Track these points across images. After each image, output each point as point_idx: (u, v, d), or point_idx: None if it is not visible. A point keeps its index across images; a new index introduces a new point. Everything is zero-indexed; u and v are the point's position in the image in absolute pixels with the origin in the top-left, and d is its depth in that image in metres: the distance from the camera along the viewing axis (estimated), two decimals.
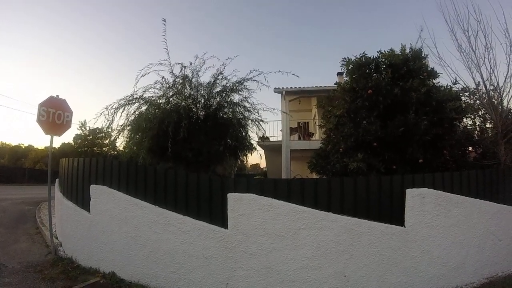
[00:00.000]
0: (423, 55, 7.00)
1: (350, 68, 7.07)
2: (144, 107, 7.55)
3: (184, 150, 6.67)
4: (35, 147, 62.96)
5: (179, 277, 5.07)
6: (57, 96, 6.43)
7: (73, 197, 6.20)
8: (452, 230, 5.30)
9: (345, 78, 7.82)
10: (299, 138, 16.07)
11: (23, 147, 64.61)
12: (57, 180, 7.76)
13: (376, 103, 6.38)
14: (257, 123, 7.95)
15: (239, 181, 5.14)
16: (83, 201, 5.91)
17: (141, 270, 5.26)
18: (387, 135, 6.05)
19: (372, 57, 7.12)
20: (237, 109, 7.65)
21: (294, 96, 15.72)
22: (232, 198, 4.94)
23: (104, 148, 49.53)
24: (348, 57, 7.27)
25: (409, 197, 5.13)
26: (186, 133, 6.47)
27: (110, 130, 8.01)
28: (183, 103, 7.05)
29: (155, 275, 5.17)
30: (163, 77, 7.55)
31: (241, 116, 7.68)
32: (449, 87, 6.93)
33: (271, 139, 15.16)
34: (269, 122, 8.86)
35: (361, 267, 4.98)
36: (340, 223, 4.95)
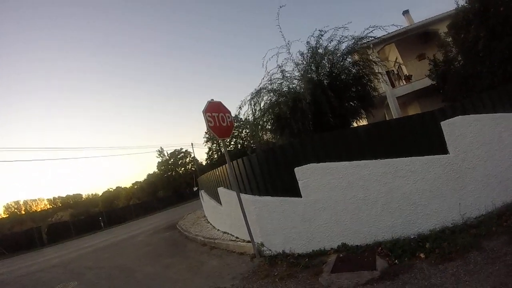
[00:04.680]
0: None
1: None
2: (286, 83, 6.88)
3: (332, 119, 5.96)
4: (122, 187, 61.85)
5: (416, 216, 4.61)
6: (212, 100, 5.59)
7: (269, 190, 5.39)
8: None
9: (463, 4, 7.44)
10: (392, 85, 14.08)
11: (111, 190, 61.98)
12: (202, 191, 6.63)
13: (506, 19, 6.28)
14: (376, 77, 7.24)
15: (446, 109, 4.74)
16: (286, 189, 5.15)
17: (374, 229, 4.70)
18: None
19: None
20: (356, 68, 6.98)
21: (381, 46, 13.13)
22: (447, 124, 4.63)
23: (187, 166, 47.80)
24: None
25: None
26: (334, 102, 5.85)
27: (252, 118, 7.23)
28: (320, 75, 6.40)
29: (392, 226, 4.65)
30: (286, 57, 6.88)
31: (360, 74, 6.94)
32: None
33: None
34: None
35: None
36: None
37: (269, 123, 7.44)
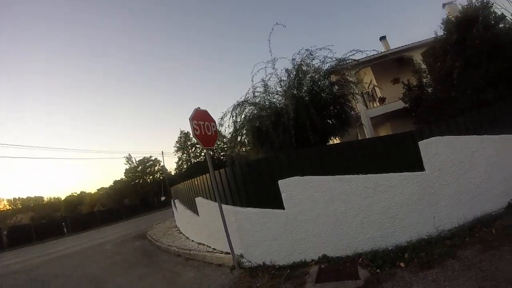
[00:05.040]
0: (489, 4, 7.52)
1: (451, 26, 7.39)
2: (268, 98, 7.04)
3: (312, 135, 6.17)
4: (87, 192, 59.77)
5: (394, 229, 4.85)
6: (199, 108, 5.59)
7: (251, 202, 5.37)
8: None
9: (440, 35, 7.97)
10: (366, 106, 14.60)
11: (75, 194, 59.26)
12: (176, 201, 7.91)
13: (481, 51, 6.85)
14: (354, 97, 7.51)
15: (423, 130, 5.13)
16: (269, 201, 5.18)
17: (354, 241, 4.87)
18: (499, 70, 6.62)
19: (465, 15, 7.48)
20: (335, 88, 7.24)
21: (358, 68, 12.84)
22: (424, 144, 4.99)
23: (156, 174, 46.68)
24: (447, 17, 7.63)
25: None
26: (315, 119, 6.07)
27: (230, 133, 7.42)
28: (303, 92, 6.61)
29: (371, 238, 4.85)
30: (270, 72, 7.09)
31: (339, 93, 7.19)
32: None
33: None
34: None
35: None
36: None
37: (249, 136, 7.51)
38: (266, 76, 7.11)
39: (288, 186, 5.03)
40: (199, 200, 7.13)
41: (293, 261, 4.99)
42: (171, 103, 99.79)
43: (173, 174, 50.37)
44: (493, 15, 7.32)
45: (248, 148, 8.22)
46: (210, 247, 6.75)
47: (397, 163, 4.90)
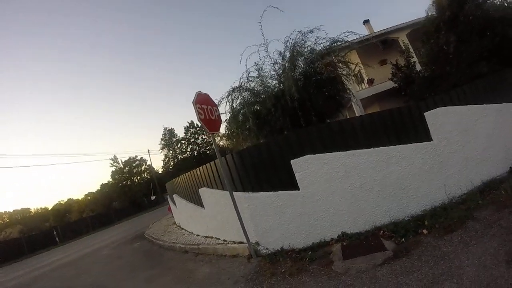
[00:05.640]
0: None
1: (444, 3, 7.52)
2: (263, 82, 6.94)
3: (314, 116, 6.20)
4: (74, 198, 56.82)
5: (408, 199, 4.95)
6: (200, 91, 5.39)
7: (263, 186, 5.26)
8: None
9: (431, 13, 8.09)
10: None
11: (63, 202, 56.29)
12: (174, 196, 7.76)
13: (473, 27, 7.03)
14: (346, 79, 7.54)
15: (428, 102, 5.28)
16: (282, 183, 5.11)
17: (371, 215, 4.92)
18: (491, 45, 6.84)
19: None
20: (329, 69, 7.20)
21: (345, 51, 13.48)
22: (430, 114, 5.12)
23: (143, 174, 46.06)
24: None
25: None
26: (314, 99, 6.10)
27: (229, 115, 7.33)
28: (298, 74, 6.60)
29: (387, 211, 4.92)
30: (263, 55, 6.93)
31: (333, 75, 7.17)
32: None
33: None
34: None
35: None
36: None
37: (247, 120, 7.39)
38: (260, 59, 7.02)
39: (301, 166, 4.99)
40: (203, 191, 6.95)
41: (312, 242, 4.97)
42: (152, 99, 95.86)
43: (160, 172, 49.85)
44: None
45: (245, 134, 8.09)
46: (219, 238, 6.63)
47: (406, 135, 5.01)
